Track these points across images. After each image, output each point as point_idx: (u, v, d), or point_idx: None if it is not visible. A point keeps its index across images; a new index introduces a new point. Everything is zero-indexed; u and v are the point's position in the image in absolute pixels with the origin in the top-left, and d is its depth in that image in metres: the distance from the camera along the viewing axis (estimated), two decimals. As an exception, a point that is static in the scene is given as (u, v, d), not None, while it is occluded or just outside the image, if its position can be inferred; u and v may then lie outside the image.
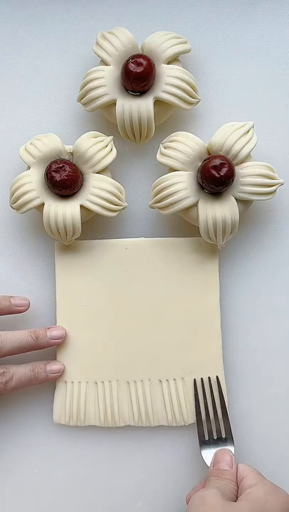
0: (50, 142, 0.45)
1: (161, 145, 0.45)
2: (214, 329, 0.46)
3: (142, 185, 0.48)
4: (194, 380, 0.45)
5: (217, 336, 0.46)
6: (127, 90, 0.45)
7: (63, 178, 0.44)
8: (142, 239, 0.47)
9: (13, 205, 0.45)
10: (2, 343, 0.43)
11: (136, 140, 0.46)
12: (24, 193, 0.44)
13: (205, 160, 0.44)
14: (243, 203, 0.45)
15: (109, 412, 0.46)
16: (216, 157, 0.43)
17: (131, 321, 0.46)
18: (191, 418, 0.46)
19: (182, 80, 0.44)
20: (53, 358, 0.47)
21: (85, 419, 0.46)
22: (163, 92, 0.44)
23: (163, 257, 0.46)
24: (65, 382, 0.46)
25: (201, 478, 0.46)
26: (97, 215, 0.45)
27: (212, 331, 0.46)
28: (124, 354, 0.46)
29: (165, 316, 0.46)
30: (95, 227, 0.48)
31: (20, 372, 0.44)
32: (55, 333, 0.45)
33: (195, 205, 0.44)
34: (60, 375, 0.45)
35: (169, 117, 0.47)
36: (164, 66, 0.45)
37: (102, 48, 0.45)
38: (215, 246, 0.46)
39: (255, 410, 0.47)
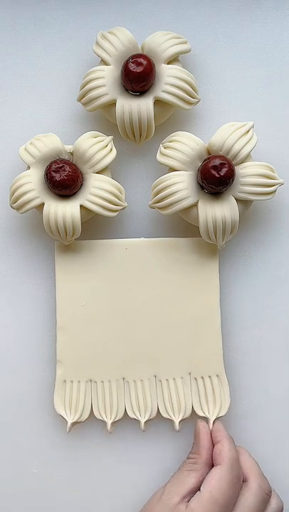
0: (50, 142, 0.45)
1: (161, 145, 0.45)
2: (214, 329, 0.46)
3: (142, 185, 0.48)
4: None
5: (217, 336, 0.46)
6: (127, 90, 0.45)
7: (63, 178, 0.44)
8: (142, 239, 0.47)
9: (13, 205, 0.45)
10: None
11: (136, 140, 0.46)
12: (24, 193, 0.44)
13: (205, 160, 0.44)
14: (243, 203, 0.45)
15: (108, 409, 0.46)
16: (216, 157, 0.43)
17: (131, 321, 0.46)
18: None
19: (182, 79, 0.44)
20: (53, 356, 0.47)
21: (81, 415, 0.46)
22: (163, 91, 0.44)
23: (163, 258, 0.46)
24: (64, 381, 0.46)
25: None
26: (97, 215, 0.45)
27: (212, 330, 0.46)
28: (124, 354, 0.46)
29: (165, 316, 0.46)
30: (95, 227, 0.48)
31: None
32: None
33: (195, 205, 0.44)
34: None
35: (169, 117, 0.47)
36: (164, 66, 0.45)
37: (102, 47, 0.45)
38: (215, 246, 0.46)
39: (257, 410, 0.47)
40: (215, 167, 0.43)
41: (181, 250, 0.46)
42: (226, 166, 0.43)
